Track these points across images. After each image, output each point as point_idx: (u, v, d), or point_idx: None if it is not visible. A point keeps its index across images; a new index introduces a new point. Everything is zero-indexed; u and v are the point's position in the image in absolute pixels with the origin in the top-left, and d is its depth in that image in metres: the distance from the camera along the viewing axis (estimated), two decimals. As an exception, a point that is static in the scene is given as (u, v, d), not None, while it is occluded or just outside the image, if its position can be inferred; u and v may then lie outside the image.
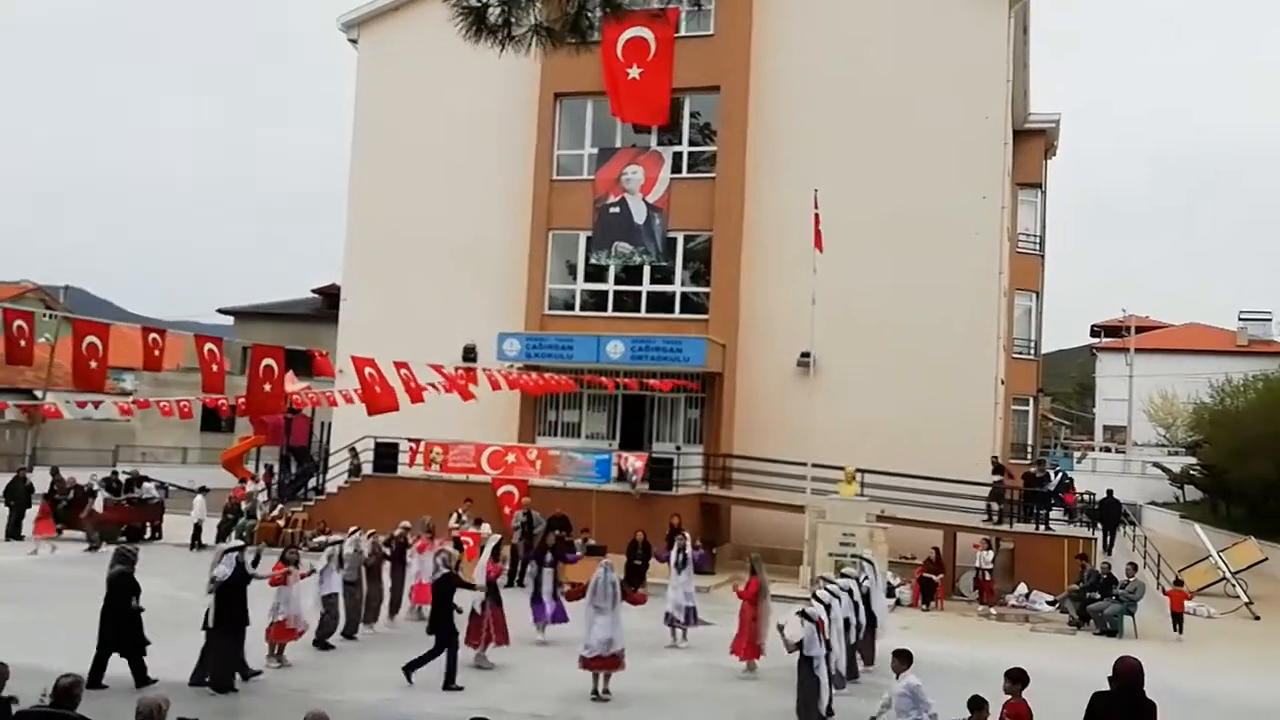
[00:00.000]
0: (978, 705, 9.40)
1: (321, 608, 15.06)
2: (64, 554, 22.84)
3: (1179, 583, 20.53)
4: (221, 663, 12.57)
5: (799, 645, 11.32)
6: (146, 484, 26.30)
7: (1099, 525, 28.37)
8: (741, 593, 14.87)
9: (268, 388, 14.58)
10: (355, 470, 27.12)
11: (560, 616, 15.92)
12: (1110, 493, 33.34)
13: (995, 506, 23.50)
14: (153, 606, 17.51)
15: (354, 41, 31.37)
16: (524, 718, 11.29)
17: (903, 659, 10.27)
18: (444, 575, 13.86)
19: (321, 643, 14.93)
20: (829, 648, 11.74)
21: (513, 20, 7.39)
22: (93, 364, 14.00)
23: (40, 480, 26.37)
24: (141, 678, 12.50)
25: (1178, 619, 19.48)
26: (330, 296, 41.91)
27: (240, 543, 14.57)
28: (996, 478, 23.53)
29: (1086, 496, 27.22)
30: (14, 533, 24.29)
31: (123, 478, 26.65)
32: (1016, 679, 9.46)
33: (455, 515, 21.18)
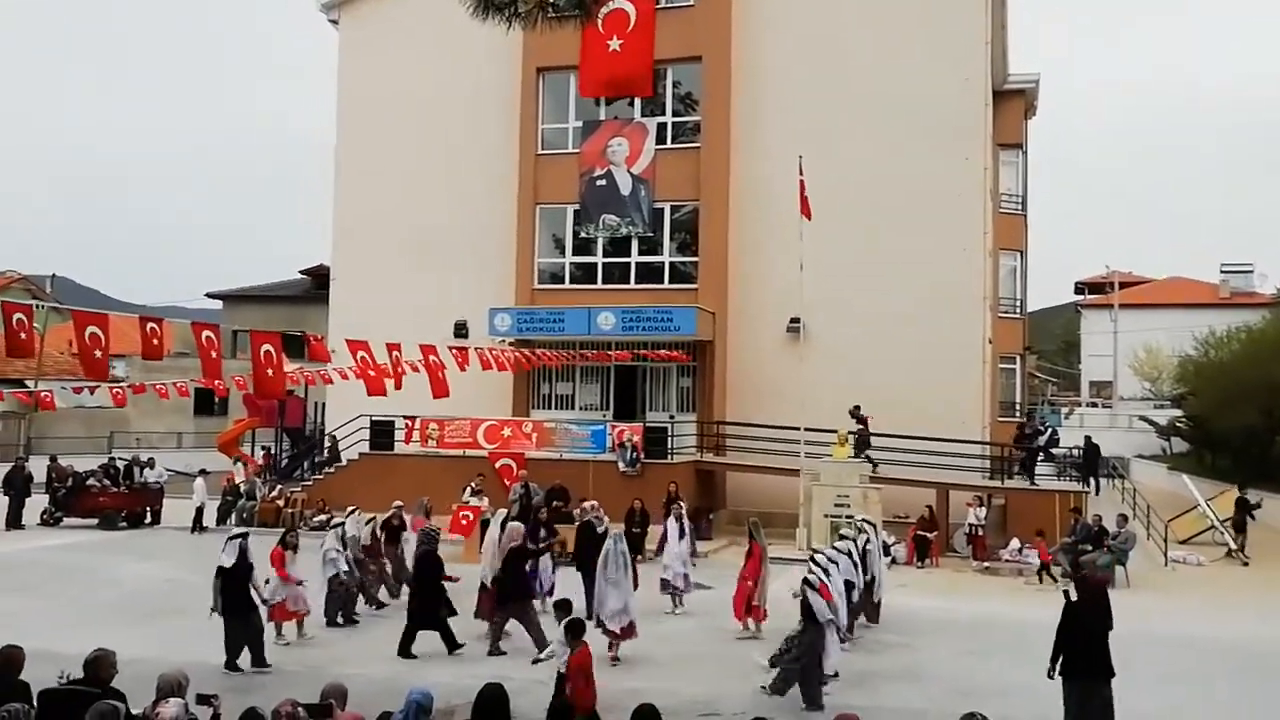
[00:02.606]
0: (575, 632, 10.11)
1: (327, 588, 15.28)
2: (67, 541, 23.01)
3: (1040, 534, 21.01)
4: (233, 646, 12.79)
5: (804, 605, 11.55)
6: (150, 470, 26.52)
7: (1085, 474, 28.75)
8: (746, 556, 15.13)
9: (270, 372, 14.72)
10: (335, 458, 27.38)
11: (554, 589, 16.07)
12: (1088, 439, 33.78)
13: (863, 453, 23.73)
14: (156, 590, 17.87)
15: (334, 22, 31.27)
16: (530, 684, 11.50)
17: (564, 609, 10.99)
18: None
19: (331, 621, 15.17)
20: (834, 610, 11.97)
21: None
22: (97, 353, 14.09)
23: (38, 469, 26.62)
24: (452, 644, 13.64)
25: (1044, 568, 20.05)
26: (319, 277, 41.94)
27: (244, 530, 14.73)
28: (859, 426, 23.83)
29: (1075, 451, 27.61)
30: (15, 522, 24.45)
31: (120, 464, 26.85)
32: (572, 631, 10.14)
33: (468, 489, 21.44)
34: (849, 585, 13.55)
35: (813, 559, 12.90)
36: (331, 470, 27.01)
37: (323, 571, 15.18)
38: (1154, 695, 12.13)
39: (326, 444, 27.47)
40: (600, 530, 16.05)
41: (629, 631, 13.31)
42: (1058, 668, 9.98)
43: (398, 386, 18.41)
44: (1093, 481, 30.40)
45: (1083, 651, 9.87)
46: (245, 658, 12.79)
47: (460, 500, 21.02)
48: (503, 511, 16.48)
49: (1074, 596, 10.50)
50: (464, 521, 20.61)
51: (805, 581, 11.74)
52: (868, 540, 15.30)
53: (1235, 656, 14.32)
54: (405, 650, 13.53)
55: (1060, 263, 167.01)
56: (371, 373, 17.94)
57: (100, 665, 7.68)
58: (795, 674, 11.41)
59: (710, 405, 26.95)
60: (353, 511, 16.56)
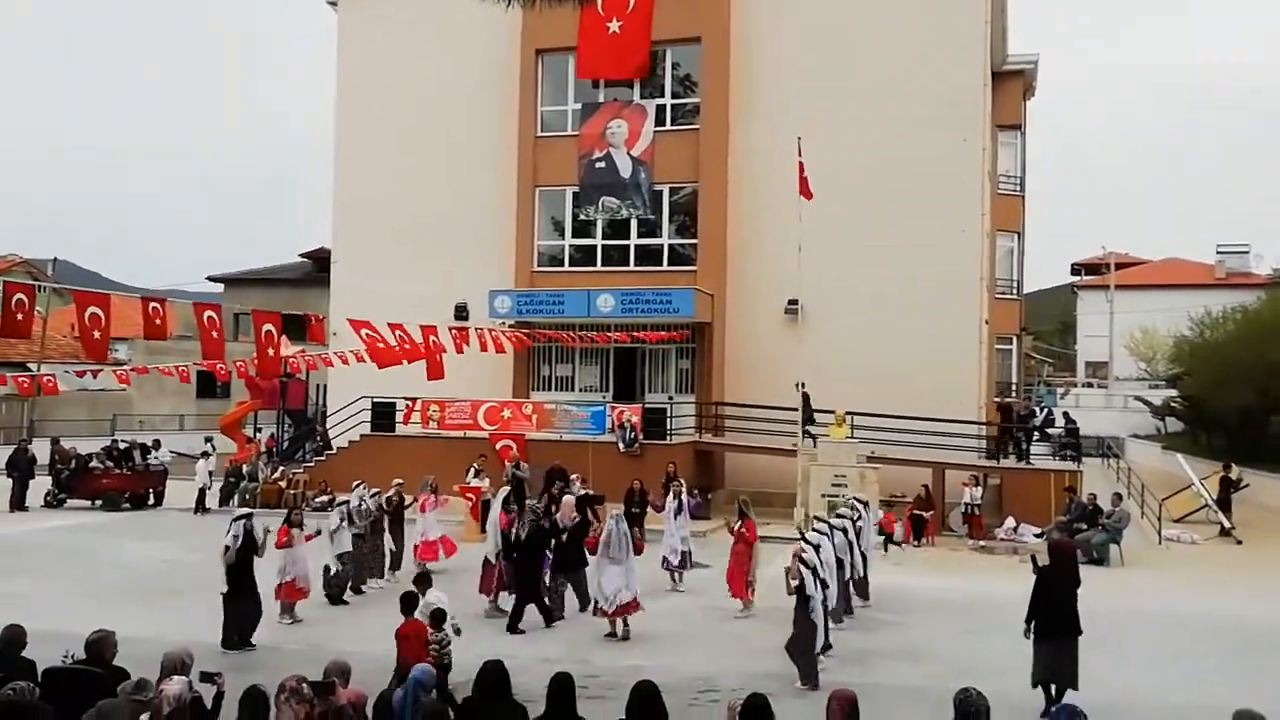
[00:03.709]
0: (406, 605, 10.39)
1: (336, 564, 15.46)
2: (71, 523, 23.16)
3: (888, 504, 21.51)
4: (232, 624, 12.96)
5: (798, 588, 11.67)
6: (155, 452, 26.73)
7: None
8: (738, 533, 15.21)
9: (270, 352, 14.82)
10: (325, 445, 27.50)
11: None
12: (1066, 415, 33.91)
13: (806, 428, 24.07)
14: (158, 571, 18.04)
15: (333, 4, 31.19)
16: (534, 661, 11.67)
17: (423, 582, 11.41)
18: None
19: (335, 598, 15.34)
20: (824, 586, 12.12)
21: None
22: (96, 334, 14.15)
23: (41, 451, 26.75)
24: (548, 620, 14.13)
25: (888, 540, 20.68)
26: (319, 260, 41.95)
27: (248, 510, 14.88)
28: (802, 403, 24.02)
29: (1061, 431, 27.75)
30: (19, 504, 24.62)
31: (122, 445, 27.01)
32: (403, 603, 10.49)
33: (471, 470, 21.61)
34: (840, 563, 13.69)
35: (804, 536, 13.03)
36: (327, 455, 27.14)
37: (330, 548, 15.35)
38: (1147, 672, 12.33)
39: (341, 419, 27.55)
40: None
41: (631, 607, 13.50)
42: (1032, 628, 10.75)
43: (410, 361, 18.55)
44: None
45: (1055, 613, 10.63)
46: (255, 635, 12.98)
47: (464, 482, 21.19)
48: (505, 490, 16.62)
49: (1044, 562, 11.21)
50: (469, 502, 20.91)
51: (799, 558, 11.87)
52: (860, 518, 15.47)
53: (1228, 634, 14.48)
54: (514, 627, 13.85)
55: (1057, 244, 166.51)
56: (381, 345, 18.11)
57: (102, 646, 7.86)
58: (809, 657, 11.54)
59: (709, 386, 27.08)
60: (358, 486, 16.70)
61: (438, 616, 10.10)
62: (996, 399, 29.82)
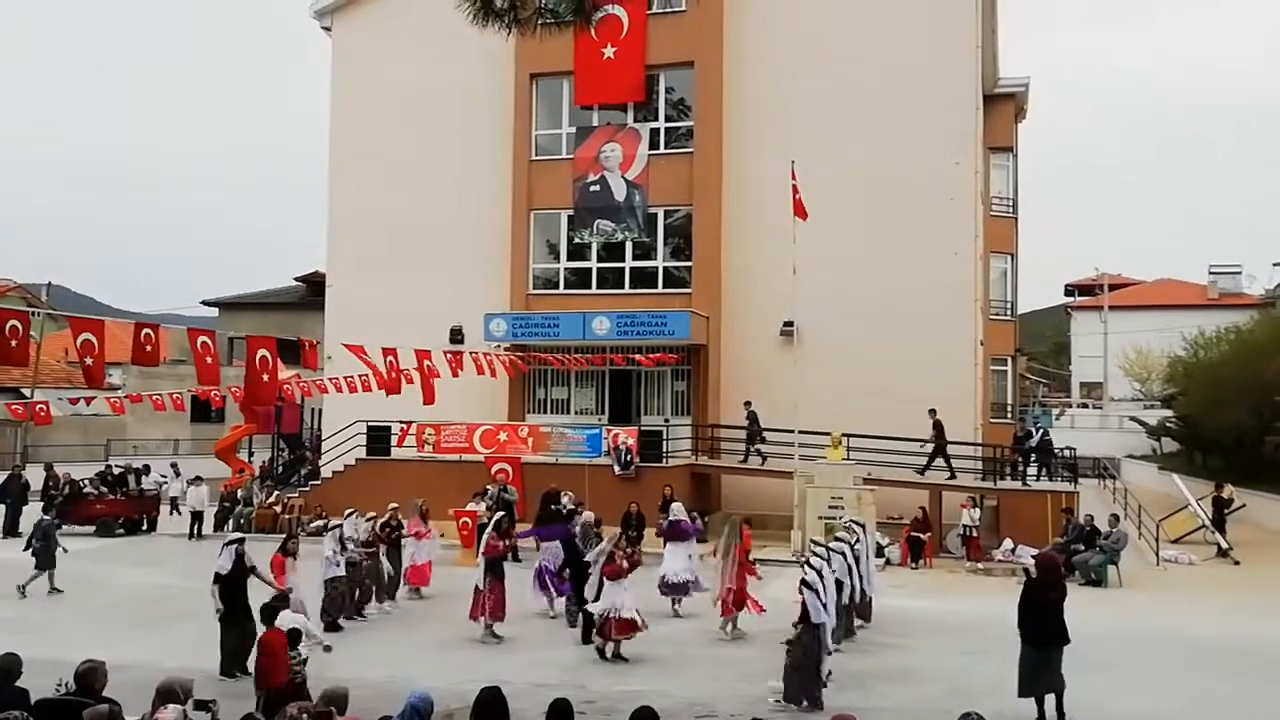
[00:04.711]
0: (266, 617, 10.85)
1: (324, 590, 15.37)
2: (64, 548, 22.96)
3: (748, 521, 21.58)
4: (228, 651, 12.86)
5: (804, 618, 11.61)
6: (147, 478, 26.64)
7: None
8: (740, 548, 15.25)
9: (265, 378, 14.76)
10: (314, 473, 27.37)
11: (562, 591, 16.25)
12: (1046, 431, 33.78)
13: (753, 447, 24.71)
14: (152, 597, 17.94)
15: (327, 29, 31.31)
16: (529, 687, 11.57)
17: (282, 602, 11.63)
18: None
19: (331, 624, 15.23)
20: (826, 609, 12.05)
21: (518, 3, 7.51)
22: (88, 360, 14.13)
23: (34, 477, 26.63)
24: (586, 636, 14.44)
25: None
26: (314, 284, 41.91)
27: (240, 535, 14.79)
28: (748, 421, 24.64)
29: (1067, 451, 27.66)
30: (12, 530, 24.44)
31: (116, 470, 26.90)
32: (263, 615, 10.94)
33: (487, 493, 21.58)
34: (839, 585, 13.63)
35: (807, 561, 12.99)
36: (321, 479, 27.05)
37: (323, 572, 15.28)
38: (1145, 694, 12.27)
39: (335, 443, 27.48)
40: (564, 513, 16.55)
41: (631, 627, 13.47)
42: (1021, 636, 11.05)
43: (398, 391, 18.58)
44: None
45: (1041, 621, 10.96)
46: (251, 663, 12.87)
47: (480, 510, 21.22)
48: (499, 514, 16.59)
49: (1033, 574, 11.67)
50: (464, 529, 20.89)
51: (803, 582, 11.82)
52: (857, 540, 15.42)
53: (1226, 656, 14.41)
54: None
55: (1050, 264, 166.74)
56: (389, 375, 18.22)
57: (93, 676, 7.75)
58: (798, 678, 11.48)
59: (704, 408, 27.06)
60: (351, 513, 16.62)
61: (294, 636, 10.34)
62: (999, 420, 29.75)
